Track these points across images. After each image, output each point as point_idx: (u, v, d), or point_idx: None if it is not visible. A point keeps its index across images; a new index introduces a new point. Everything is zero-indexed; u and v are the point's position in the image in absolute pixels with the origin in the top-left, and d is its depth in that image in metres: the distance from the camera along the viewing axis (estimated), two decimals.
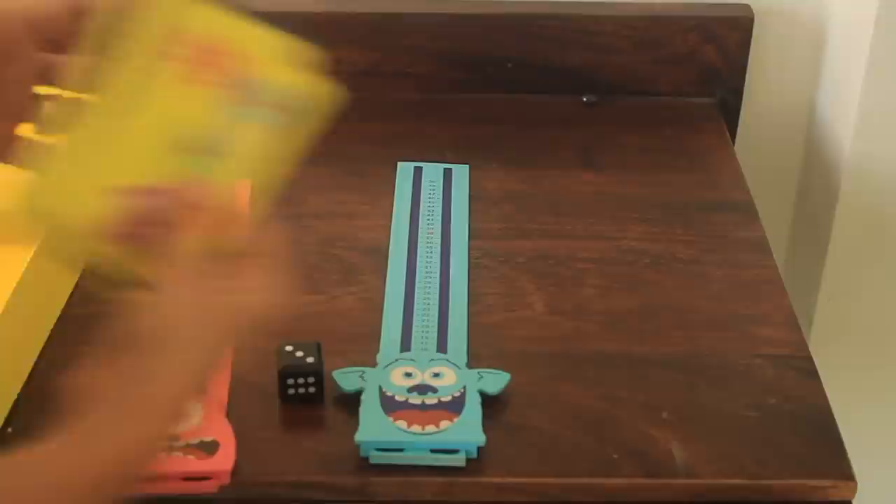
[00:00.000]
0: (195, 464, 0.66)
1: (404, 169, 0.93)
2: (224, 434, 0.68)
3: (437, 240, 0.85)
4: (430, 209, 0.89)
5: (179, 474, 0.66)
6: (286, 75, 0.55)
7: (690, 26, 1.01)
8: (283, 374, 0.71)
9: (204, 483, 0.66)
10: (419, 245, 0.85)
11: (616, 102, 1.04)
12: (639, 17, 1.01)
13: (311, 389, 0.71)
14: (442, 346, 0.75)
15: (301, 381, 0.71)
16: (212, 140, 0.54)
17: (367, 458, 0.67)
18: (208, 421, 0.69)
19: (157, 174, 0.53)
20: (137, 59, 0.53)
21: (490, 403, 0.71)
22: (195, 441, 0.67)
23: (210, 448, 0.67)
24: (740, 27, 1.01)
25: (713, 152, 0.98)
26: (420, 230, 0.86)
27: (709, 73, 1.03)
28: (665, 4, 1.02)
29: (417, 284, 0.81)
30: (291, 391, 0.71)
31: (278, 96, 0.54)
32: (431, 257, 0.83)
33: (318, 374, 0.71)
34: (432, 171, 0.93)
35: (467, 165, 0.94)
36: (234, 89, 0.54)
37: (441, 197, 0.90)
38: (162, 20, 0.53)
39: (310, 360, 0.71)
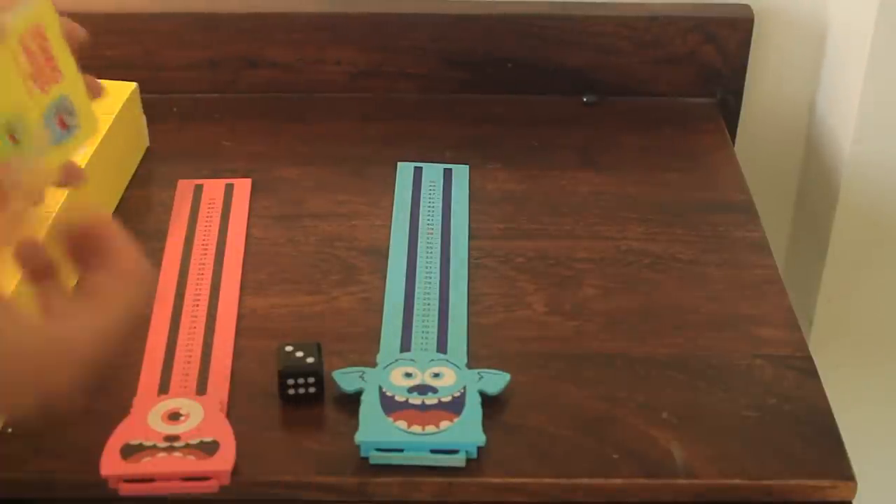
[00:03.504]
0: (195, 464, 0.66)
1: (404, 169, 0.93)
2: (224, 434, 0.68)
3: (437, 240, 0.85)
4: (430, 209, 0.89)
5: (179, 474, 0.66)
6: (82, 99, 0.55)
7: (690, 26, 1.01)
8: (283, 374, 0.71)
9: (204, 483, 0.66)
10: (419, 245, 0.85)
11: (616, 102, 1.04)
12: (639, 17, 1.01)
13: (311, 389, 0.71)
14: (442, 347, 0.75)
15: (301, 381, 0.71)
16: (21, 130, 0.53)
17: (366, 459, 0.67)
18: (208, 421, 0.69)
19: None
20: None
21: (490, 403, 0.71)
22: (195, 441, 0.67)
23: (210, 448, 0.67)
24: (740, 27, 1.01)
25: (713, 152, 0.98)
26: (420, 230, 0.86)
27: (709, 73, 1.03)
28: (665, 4, 1.02)
29: (417, 284, 0.81)
30: (291, 391, 0.71)
31: (70, 117, 0.54)
32: (431, 257, 0.83)
33: (318, 374, 0.71)
34: (432, 171, 0.93)
35: (467, 165, 0.94)
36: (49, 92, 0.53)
37: (441, 197, 0.90)
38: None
39: (310, 360, 0.71)
